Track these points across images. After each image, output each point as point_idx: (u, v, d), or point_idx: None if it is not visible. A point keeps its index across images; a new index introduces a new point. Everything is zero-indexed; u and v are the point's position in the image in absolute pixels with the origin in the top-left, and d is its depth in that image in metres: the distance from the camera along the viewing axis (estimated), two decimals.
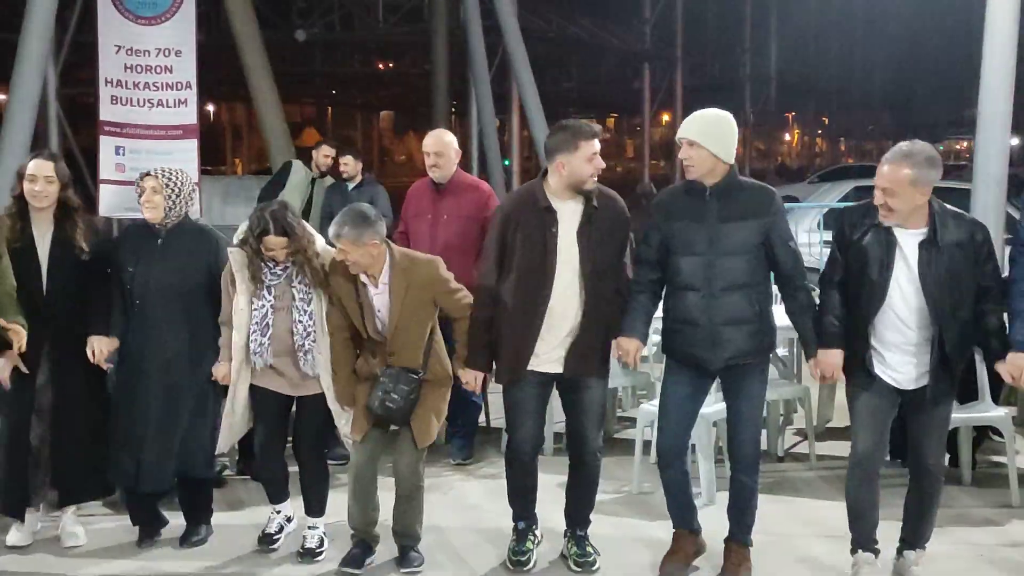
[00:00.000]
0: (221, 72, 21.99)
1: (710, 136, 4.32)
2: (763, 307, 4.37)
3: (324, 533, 4.96)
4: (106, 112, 10.74)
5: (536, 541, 4.82)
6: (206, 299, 4.87)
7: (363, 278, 4.61)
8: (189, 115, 10.88)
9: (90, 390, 4.99)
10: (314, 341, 4.72)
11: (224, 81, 25.94)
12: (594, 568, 4.71)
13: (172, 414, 4.83)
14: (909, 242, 4.20)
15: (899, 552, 4.55)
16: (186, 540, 5.04)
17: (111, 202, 10.20)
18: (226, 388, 4.84)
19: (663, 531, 4.71)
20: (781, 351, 6.85)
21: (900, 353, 4.27)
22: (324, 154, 9.08)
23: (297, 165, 9.32)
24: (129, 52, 10.72)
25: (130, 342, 4.89)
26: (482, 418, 6.70)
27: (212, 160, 38.79)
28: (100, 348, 4.84)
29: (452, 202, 6.21)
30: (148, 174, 4.89)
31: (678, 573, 4.60)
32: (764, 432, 6.51)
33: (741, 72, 35.86)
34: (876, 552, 4.48)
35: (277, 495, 5.05)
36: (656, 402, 4.92)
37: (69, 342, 4.86)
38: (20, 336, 4.57)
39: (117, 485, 5.10)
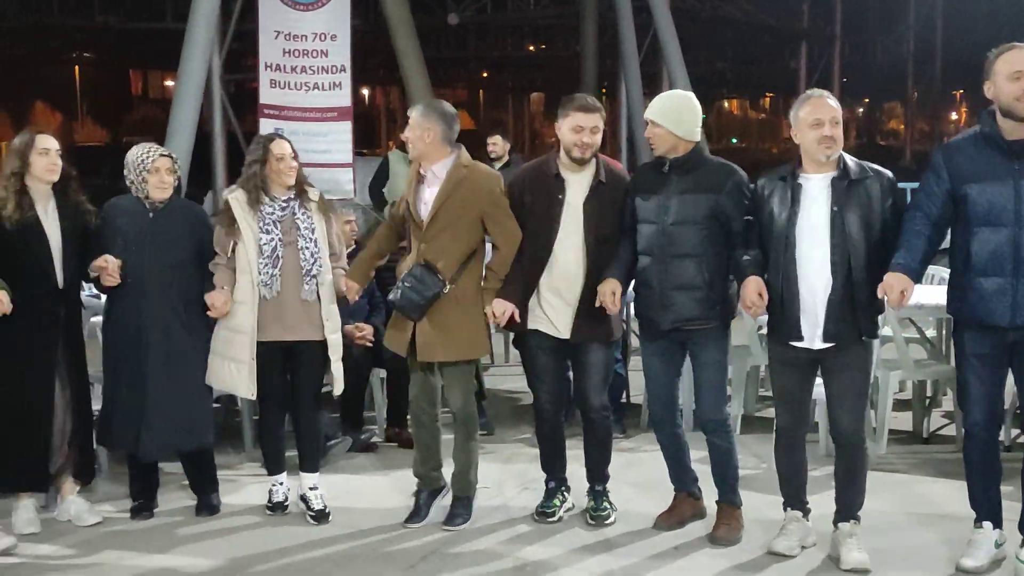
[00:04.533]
0: (376, 57, 22.54)
1: (668, 116, 4.61)
2: (713, 276, 4.56)
3: (324, 493, 5.14)
4: (266, 95, 11.20)
5: (564, 500, 5.07)
6: (197, 272, 5.01)
7: (422, 170, 4.84)
8: (343, 98, 11.24)
9: (84, 365, 5.08)
10: (320, 267, 4.98)
11: (379, 65, 26.56)
12: (607, 522, 4.93)
13: (172, 381, 4.94)
14: None
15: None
16: (203, 509, 5.18)
17: None
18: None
19: (776, 511, 4.74)
20: (929, 332, 6.71)
21: None
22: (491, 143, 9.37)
23: (395, 155, 9.58)
24: (288, 37, 11.15)
25: (124, 315, 4.97)
26: None
27: (367, 143, 39.80)
28: (110, 259, 4.83)
29: None
30: (163, 155, 5.05)
31: (667, 528, 4.84)
32: (911, 413, 6.47)
33: (904, 49, 34.68)
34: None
35: (275, 465, 5.21)
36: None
37: (75, 315, 4.99)
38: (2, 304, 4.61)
39: (119, 451, 5.22)
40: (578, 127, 4.70)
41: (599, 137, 4.76)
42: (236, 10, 13.67)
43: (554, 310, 4.80)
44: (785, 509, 4.67)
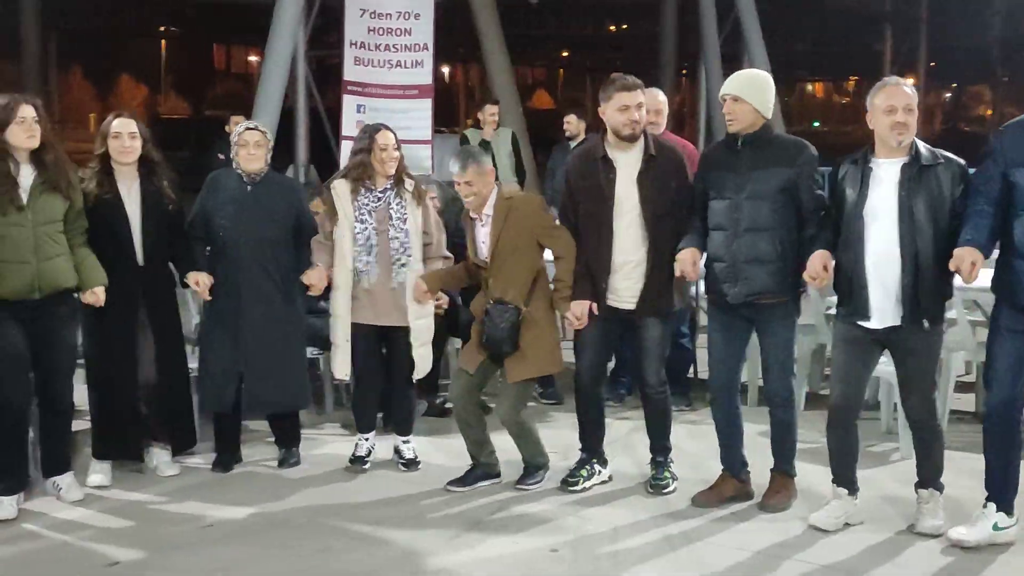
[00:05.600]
0: (457, 34, 22.73)
1: (752, 92, 4.72)
2: (786, 250, 4.66)
3: (415, 447, 5.42)
4: (350, 72, 11.49)
5: (592, 472, 5.19)
6: (291, 244, 5.28)
7: (473, 214, 5.07)
8: (425, 76, 11.51)
9: (179, 336, 5.32)
10: (409, 255, 5.22)
11: (459, 43, 26.76)
12: (665, 490, 5.06)
13: (269, 346, 5.22)
14: None
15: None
16: (284, 463, 5.44)
17: None
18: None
19: (824, 485, 4.89)
20: None
21: None
22: (489, 112, 9.51)
23: (472, 133, 9.80)
24: (373, 15, 11.43)
25: (221, 282, 5.21)
26: None
27: (446, 120, 39.98)
28: (202, 280, 5.13)
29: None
30: (251, 128, 5.30)
31: (704, 505, 4.92)
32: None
33: (990, 34, 33.93)
34: None
35: (366, 424, 5.47)
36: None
37: (161, 291, 5.16)
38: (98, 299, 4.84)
39: (215, 409, 5.38)
40: (624, 106, 4.84)
41: (644, 112, 4.92)
42: None
43: (619, 286, 4.93)
44: (834, 485, 4.77)
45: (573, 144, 9.09)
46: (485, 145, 9.39)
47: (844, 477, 4.73)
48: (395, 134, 5.31)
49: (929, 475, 4.65)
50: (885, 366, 4.98)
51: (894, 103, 4.39)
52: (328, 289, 5.30)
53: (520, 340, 4.98)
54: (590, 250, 4.95)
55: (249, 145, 5.23)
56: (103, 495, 5.05)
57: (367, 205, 5.20)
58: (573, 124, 9.39)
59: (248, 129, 5.30)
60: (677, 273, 4.78)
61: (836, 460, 4.75)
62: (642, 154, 4.91)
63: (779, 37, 26.27)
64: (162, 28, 42.63)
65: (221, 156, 10.83)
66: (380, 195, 5.23)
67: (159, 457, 5.30)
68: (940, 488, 4.65)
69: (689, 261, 4.72)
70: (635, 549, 4.50)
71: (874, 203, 4.44)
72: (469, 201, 5.04)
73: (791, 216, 4.68)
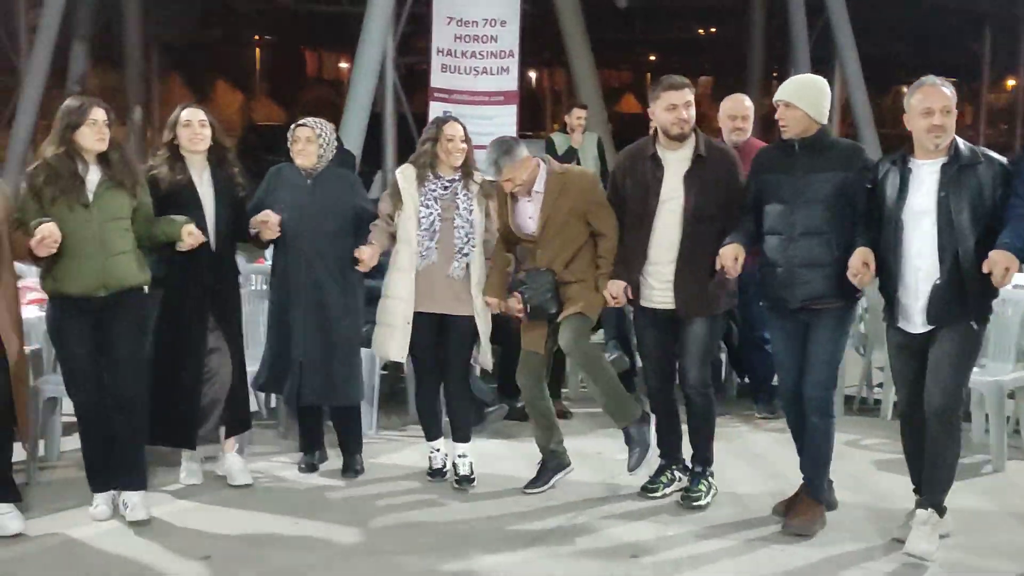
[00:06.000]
0: (543, 39, 22.79)
1: (804, 98, 4.66)
2: (842, 254, 4.52)
3: (472, 461, 5.33)
4: (437, 79, 11.64)
5: (672, 479, 5.16)
6: (350, 236, 5.30)
7: (517, 192, 5.07)
8: (510, 82, 11.60)
9: (240, 324, 5.35)
10: (473, 247, 5.23)
11: (546, 48, 26.80)
12: (697, 504, 4.96)
13: (325, 338, 5.27)
14: None
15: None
16: (348, 470, 5.44)
17: None
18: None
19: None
20: None
21: None
22: (576, 116, 9.53)
23: (558, 137, 9.77)
24: (459, 23, 11.56)
25: (284, 274, 5.32)
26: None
27: (532, 124, 39.99)
28: (271, 218, 5.13)
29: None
30: (301, 124, 5.34)
31: (784, 514, 4.80)
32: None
33: None
34: None
35: (433, 431, 5.46)
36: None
37: (228, 277, 5.24)
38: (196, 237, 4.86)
39: (282, 395, 5.48)
40: (671, 105, 4.82)
41: (693, 111, 4.90)
42: None
43: (655, 281, 4.93)
44: (917, 496, 4.61)
45: None
46: (572, 152, 9.39)
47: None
48: (464, 127, 5.34)
49: (934, 489, 4.46)
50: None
51: (931, 105, 4.31)
52: (376, 269, 5.38)
53: (562, 296, 5.01)
54: (628, 244, 4.96)
55: (300, 141, 5.31)
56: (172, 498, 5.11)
57: (433, 192, 5.23)
58: None
59: (299, 126, 5.38)
60: (717, 266, 4.73)
61: (915, 467, 4.64)
62: (691, 153, 4.89)
63: (876, 38, 25.81)
64: (256, 37, 43.46)
65: None
66: (447, 184, 5.25)
67: (232, 463, 5.34)
68: (942, 512, 4.47)
69: (730, 256, 4.65)
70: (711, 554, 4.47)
71: (913, 205, 4.36)
72: (517, 190, 5.06)
73: (847, 219, 4.58)
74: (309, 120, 5.41)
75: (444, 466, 5.48)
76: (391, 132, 13.81)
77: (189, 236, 4.86)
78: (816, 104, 4.66)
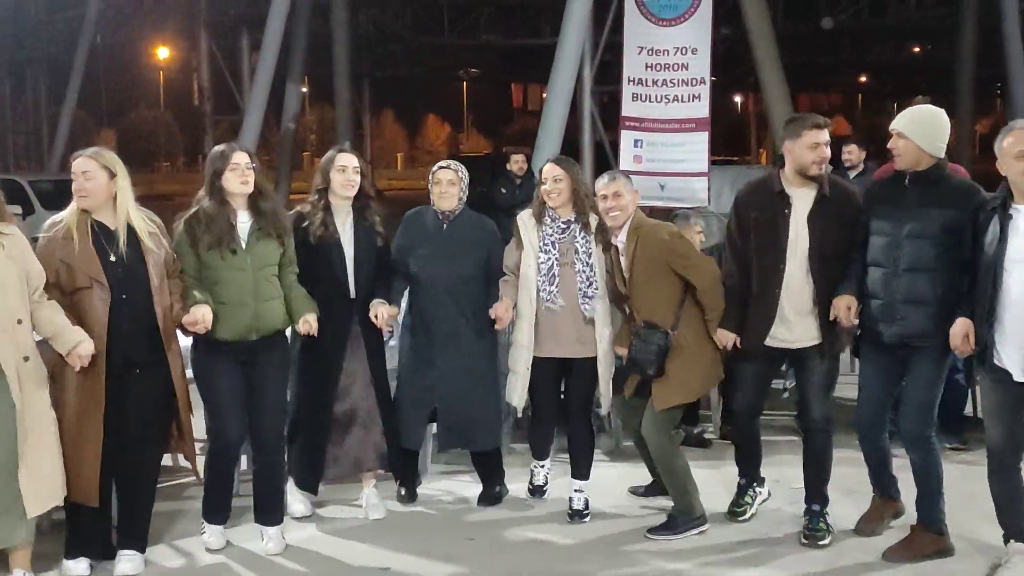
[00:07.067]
0: (746, 63, 22.60)
1: (916, 131, 4.54)
2: (946, 293, 4.44)
3: (587, 496, 5.22)
4: (628, 108, 11.75)
5: (755, 496, 5.21)
6: (484, 281, 5.24)
7: (614, 240, 5.03)
8: (702, 109, 11.56)
9: (385, 368, 5.31)
10: (596, 289, 5.09)
11: (749, 72, 26.55)
12: (820, 543, 4.82)
13: (461, 383, 5.22)
14: None
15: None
16: (483, 499, 5.42)
17: None
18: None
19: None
20: None
21: None
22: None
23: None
24: (650, 52, 11.65)
25: (416, 316, 5.29)
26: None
27: (737, 150, 39.51)
28: (383, 312, 5.08)
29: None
30: (443, 167, 5.32)
31: (871, 530, 4.89)
32: None
33: None
34: None
35: (542, 452, 5.45)
36: None
37: (370, 324, 5.13)
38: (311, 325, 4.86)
39: (410, 446, 5.37)
40: (814, 144, 4.73)
41: (828, 151, 4.79)
42: (608, 23, 14.34)
43: (785, 321, 4.82)
44: (1006, 542, 4.42)
45: (853, 175, 8.79)
46: None
47: (1017, 529, 4.38)
48: (567, 166, 5.20)
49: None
50: None
51: None
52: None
53: (667, 365, 4.93)
54: (757, 287, 4.84)
55: (442, 183, 5.30)
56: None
57: (551, 236, 5.18)
58: (855, 154, 9.02)
59: (441, 168, 5.40)
60: (830, 316, 4.65)
61: (1002, 512, 4.42)
62: (815, 193, 4.78)
63: None
64: (463, 71, 44.83)
65: (503, 191, 11.32)
66: (564, 226, 5.19)
67: (369, 497, 5.33)
68: None
69: (843, 307, 4.60)
70: None
71: (1013, 252, 4.16)
72: (614, 216, 5.01)
73: (954, 258, 4.42)
74: (452, 162, 5.45)
75: (545, 483, 5.50)
76: (588, 160, 14.01)
77: (304, 324, 4.91)
78: (929, 137, 4.52)
